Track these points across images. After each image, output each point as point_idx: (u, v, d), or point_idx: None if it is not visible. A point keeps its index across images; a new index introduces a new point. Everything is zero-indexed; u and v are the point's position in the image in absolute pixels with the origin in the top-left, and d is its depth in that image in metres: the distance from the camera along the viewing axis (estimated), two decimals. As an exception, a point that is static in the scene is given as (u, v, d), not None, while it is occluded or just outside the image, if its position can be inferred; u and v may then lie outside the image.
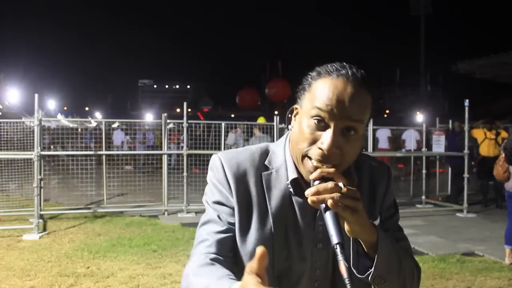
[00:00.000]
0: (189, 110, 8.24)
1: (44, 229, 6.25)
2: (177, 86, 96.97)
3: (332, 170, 0.85)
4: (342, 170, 0.94)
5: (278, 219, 0.99)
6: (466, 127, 7.88)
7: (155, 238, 5.80)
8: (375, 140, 11.57)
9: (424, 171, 8.82)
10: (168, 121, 7.98)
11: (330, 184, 0.82)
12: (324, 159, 0.91)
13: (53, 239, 5.76)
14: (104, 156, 8.20)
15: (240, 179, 1.01)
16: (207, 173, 1.07)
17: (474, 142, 8.96)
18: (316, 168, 0.90)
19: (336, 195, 0.81)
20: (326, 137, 0.91)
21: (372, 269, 0.89)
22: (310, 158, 0.93)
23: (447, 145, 8.55)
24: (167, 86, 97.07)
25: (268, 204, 0.99)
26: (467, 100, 7.61)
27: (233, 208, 1.00)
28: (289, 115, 1.09)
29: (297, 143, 0.96)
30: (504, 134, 8.77)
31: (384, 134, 11.57)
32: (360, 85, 0.93)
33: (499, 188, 8.00)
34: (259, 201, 1.00)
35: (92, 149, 9.78)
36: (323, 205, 0.82)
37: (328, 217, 0.80)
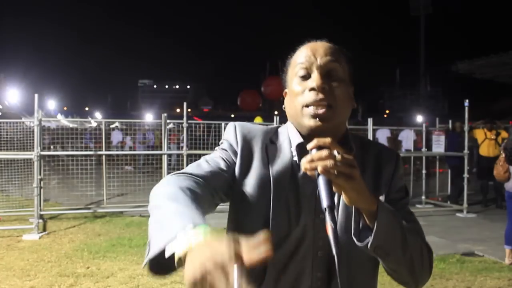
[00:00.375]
0: (189, 110, 8.24)
1: (44, 229, 6.25)
2: (177, 86, 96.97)
3: (328, 139, 0.85)
4: (339, 136, 1.04)
5: (278, 187, 1.00)
6: (466, 127, 7.88)
7: (155, 238, 5.79)
8: (375, 141, 11.56)
9: (424, 171, 8.83)
10: (168, 121, 7.98)
11: (324, 152, 0.82)
12: (318, 97, 0.98)
13: (53, 239, 5.76)
14: (104, 156, 8.20)
15: (248, 142, 1.08)
16: None
17: (474, 142, 8.96)
18: (315, 115, 0.98)
19: (329, 162, 0.81)
20: (312, 79, 1.01)
21: (372, 237, 0.87)
22: (308, 105, 1.00)
23: (447, 145, 8.55)
24: (167, 86, 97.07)
25: (270, 172, 1.02)
26: (467, 100, 7.61)
27: (234, 161, 1.05)
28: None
29: (293, 103, 1.04)
30: (504, 134, 8.77)
31: (383, 134, 11.58)
32: (330, 43, 1.08)
33: (499, 188, 8.01)
34: (260, 167, 1.03)
35: (92, 149, 9.78)
36: (317, 173, 0.82)
37: (321, 182, 0.81)
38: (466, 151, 7.90)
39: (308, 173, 0.83)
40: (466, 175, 7.81)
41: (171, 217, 0.76)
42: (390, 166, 1.10)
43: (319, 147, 0.85)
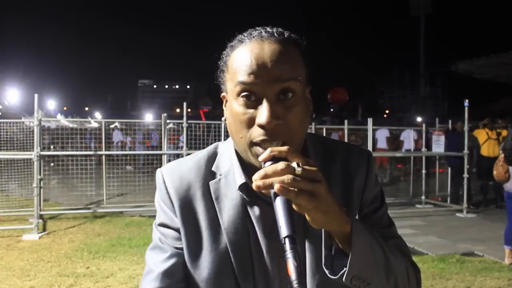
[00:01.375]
0: (189, 110, 8.24)
1: (44, 229, 6.25)
2: (177, 86, 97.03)
3: (284, 148, 0.71)
4: (297, 149, 0.82)
5: (233, 234, 0.84)
6: (466, 127, 7.88)
7: (155, 238, 5.80)
8: (374, 141, 11.59)
9: (423, 171, 8.83)
10: (168, 121, 7.98)
11: (280, 165, 0.67)
12: (269, 136, 0.77)
13: (52, 239, 5.76)
14: (104, 156, 8.20)
15: (184, 195, 0.88)
16: None
17: (474, 142, 8.95)
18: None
19: (287, 177, 0.66)
20: (261, 111, 0.78)
21: (347, 266, 0.73)
22: (258, 144, 0.79)
23: (447, 145, 8.55)
24: (167, 86, 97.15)
25: (220, 219, 0.86)
26: (466, 100, 7.61)
27: (178, 231, 0.88)
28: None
29: (236, 133, 0.83)
30: (504, 133, 8.77)
31: (383, 134, 11.58)
32: (280, 40, 0.81)
33: (499, 188, 8.01)
34: (208, 216, 0.86)
35: (92, 149, 9.78)
36: (273, 192, 0.67)
37: (278, 205, 0.66)
38: (466, 151, 7.90)
39: (259, 190, 0.68)
40: (466, 175, 7.81)
41: None
42: (361, 174, 0.93)
43: (274, 158, 0.70)
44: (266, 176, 0.67)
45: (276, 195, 0.67)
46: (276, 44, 0.80)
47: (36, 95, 6.32)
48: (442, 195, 9.40)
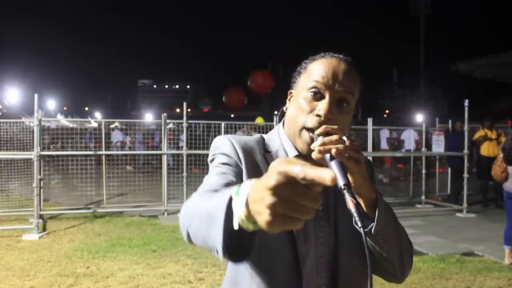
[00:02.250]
0: (189, 110, 8.24)
1: (44, 229, 6.25)
2: (177, 86, 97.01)
3: (335, 126, 0.90)
4: None
5: None
6: (466, 127, 7.88)
7: (154, 238, 5.80)
8: (378, 141, 11.62)
9: (423, 171, 8.83)
10: (168, 121, 7.99)
11: (335, 137, 0.87)
12: (321, 125, 0.95)
13: (52, 239, 5.76)
14: (103, 156, 8.20)
15: (248, 153, 1.05)
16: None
17: (473, 143, 8.96)
18: (312, 139, 0.97)
19: (340, 145, 0.85)
20: (322, 105, 0.99)
21: (375, 222, 0.91)
22: (307, 130, 0.99)
23: (447, 145, 8.56)
24: (167, 86, 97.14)
25: None
26: (466, 100, 7.61)
27: (241, 173, 1.01)
28: (282, 111, 1.16)
29: (295, 118, 1.03)
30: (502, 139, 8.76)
31: (384, 135, 11.60)
32: (351, 64, 1.05)
33: (499, 188, 8.01)
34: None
35: (91, 149, 9.78)
36: (328, 156, 0.84)
37: (334, 165, 0.83)
38: (466, 151, 7.90)
39: (318, 156, 0.85)
40: (466, 175, 7.81)
41: (215, 206, 0.72)
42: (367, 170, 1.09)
43: (327, 134, 0.90)
44: (324, 144, 0.86)
45: (332, 158, 0.84)
46: (347, 65, 1.04)
47: (36, 95, 6.32)
48: (442, 195, 9.41)
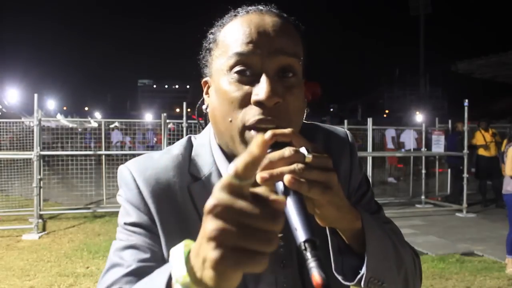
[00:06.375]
0: (189, 110, 8.24)
1: (44, 229, 6.25)
2: (177, 86, 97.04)
3: (288, 130, 0.58)
4: None
5: None
6: (465, 127, 7.88)
7: (154, 238, 5.80)
8: (382, 141, 11.64)
9: (423, 171, 8.83)
10: (168, 121, 7.98)
11: (287, 151, 0.55)
12: (267, 116, 0.65)
13: (52, 239, 5.76)
14: (103, 156, 8.20)
15: (162, 196, 0.72)
16: None
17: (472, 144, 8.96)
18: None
19: (297, 166, 0.54)
20: (260, 85, 0.66)
21: (364, 269, 0.65)
22: (251, 128, 0.66)
23: (447, 145, 8.56)
24: (166, 86, 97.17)
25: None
26: (466, 100, 7.61)
27: (157, 236, 0.72)
28: (201, 106, 0.83)
29: (224, 117, 0.68)
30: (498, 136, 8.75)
31: (389, 134, 11.63)
32: (281, 16, 0.72)
33: (499, 189, 8.00)
34: (192, 224, 0.69)
35: (91, 149, 9.78)
36: (281, 186, 0.54)
37: (290, 203, 0.52)
38: (465, 150, 7.90)
39: (264, 184, 0.53)
40: (465, 174, 7.81)
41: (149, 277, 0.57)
42: (345, 162, 0.82)
43: (276, 144, 0.57)
44: (270, 165, 0.54)
45: (286, 189, 0.53)
46: (277, 18, 0.71)
47: (36, 95, 6.32)
48: (442, 195, 9.41)
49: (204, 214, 0.42)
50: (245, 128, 0.66)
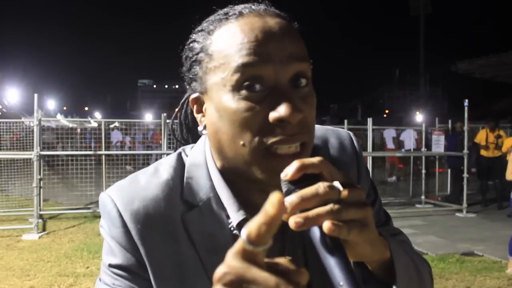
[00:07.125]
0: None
1: (44, 229, 6.25)
2: (177, 86, 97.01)
3: (317, 159, 0.49)
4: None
5: None
6: (465, 127, 7.88)
7: (154, 238, 5.80)
8: (383, 141, 11.64)
9: (423, 171, 8.83)
10: (168, 121, 7.98)
11: (321, 188, 0.46)
12: (289, 136, 0.56)
13: (52, 239, 5.76)
14: (103, 156, 8.20)
15: (153, 234, 0.63)
16: None
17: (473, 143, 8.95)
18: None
19: (334, 206, 0.47)
20: (278, 100, 0.56)
21: None
22: (274, 151, 0.57)
23: (447, 145, 8.56)
24: (166, 86, 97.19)
25: (201, 264, 0.62)
26: (466, 100, 7.61)
27: (147, 280, 0.63)
28: (183, 118, 0.77)
29: (235, 140, 0.58)
30: (504, 138, 8.73)
31: (389, 134, 11.64)
32: (281, 16, 0.62)
33: (499, 189, 8.00)
34: (188, 265, 0.62)
35: (92, 149, 9.79)
36: (317, 232, 0.47)
37: (324, 249, 0.46)
38: (465, 150, 7.90)
39: (298, 229, 0.46)
40: (466, 174, 7.81)
41: None
42: (353, 170, 0.75)
43: (305, 177, 0.48)
44: (302, 204, 0.45)
45: (322, 237, 0.46)
46: (279, 18, 0.61)
47: (36, 95, 6.32)
48: (442, 195, 9.41)
49: (214, 282, 0.39)
50: (266, 150, 0.57)
